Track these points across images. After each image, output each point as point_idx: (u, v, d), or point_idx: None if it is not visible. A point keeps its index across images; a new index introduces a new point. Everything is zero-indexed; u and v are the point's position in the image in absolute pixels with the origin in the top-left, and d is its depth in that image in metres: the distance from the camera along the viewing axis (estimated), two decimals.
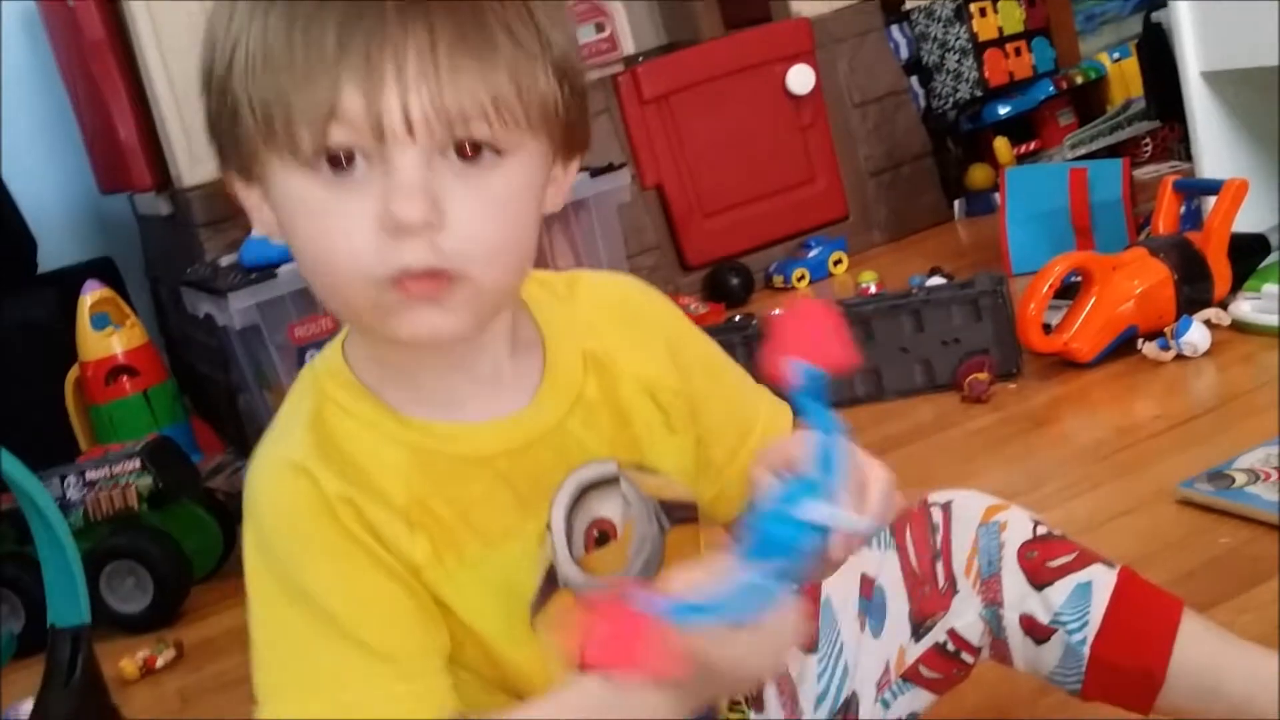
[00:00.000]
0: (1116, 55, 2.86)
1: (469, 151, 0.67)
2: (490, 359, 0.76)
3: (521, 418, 0.76)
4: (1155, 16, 2.47)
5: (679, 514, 0.80)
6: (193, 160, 2.34)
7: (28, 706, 1.45)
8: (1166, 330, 1.73)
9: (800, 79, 2.66)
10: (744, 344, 1.86)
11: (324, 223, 0.67)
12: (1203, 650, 0.86)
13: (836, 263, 2.60)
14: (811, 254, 2.62)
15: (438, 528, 0.73)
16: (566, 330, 0.79)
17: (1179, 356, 1.71)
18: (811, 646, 0.91)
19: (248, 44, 0.67)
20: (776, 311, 0.65)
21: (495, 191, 0.68)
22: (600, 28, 2.71)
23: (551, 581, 0.75)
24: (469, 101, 0.66)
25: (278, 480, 0.73)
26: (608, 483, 0.77)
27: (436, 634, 0.74)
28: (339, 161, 0.66)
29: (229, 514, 1.83)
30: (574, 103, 0.72)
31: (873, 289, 2.25)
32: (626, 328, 0.82)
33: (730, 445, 0.85)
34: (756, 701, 0.89)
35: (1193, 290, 1.78)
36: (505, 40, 0.67)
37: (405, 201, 0.65)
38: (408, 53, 0.64)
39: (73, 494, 1.74)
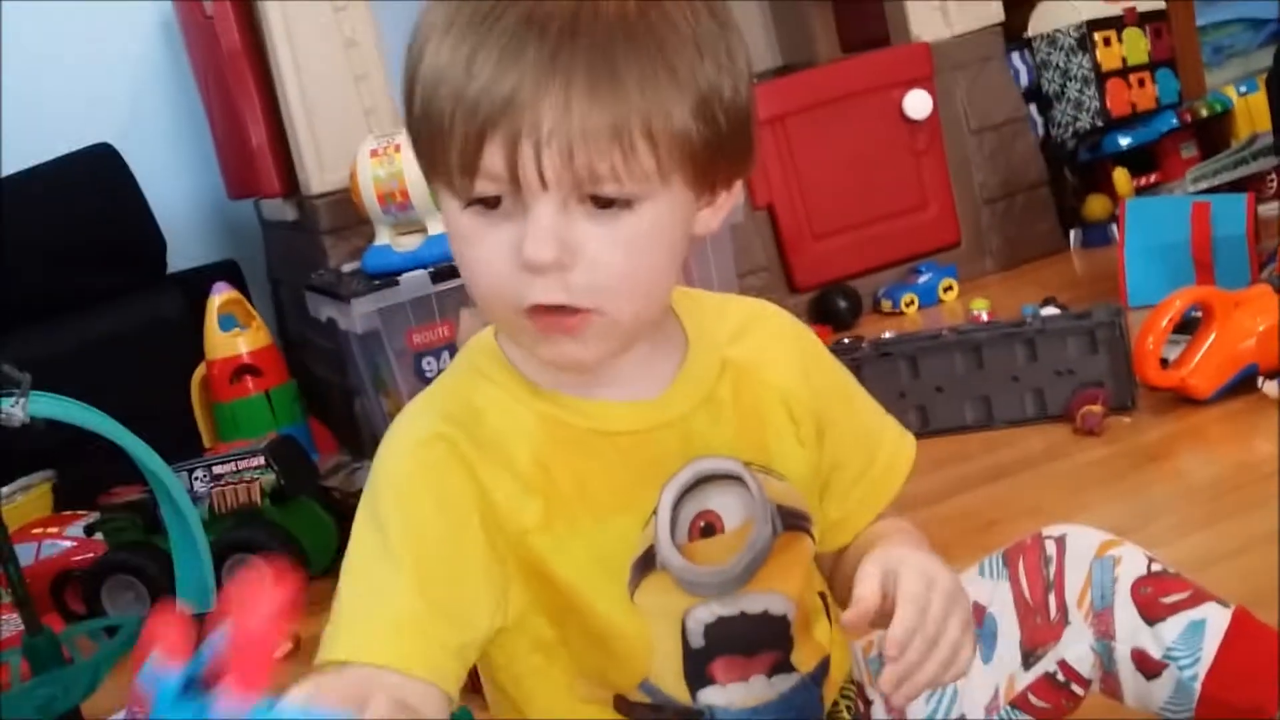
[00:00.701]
0: (1244, 89, 2.81)
1: (600, 203, 0.72)
2: (631, 354, 0.80)
3: (650, 404, 0.81)
4: None
5: (791, 521, 0.83)
6: (321, 168, 2.41)
7: None
8: None
9: (917, 104, 2.66)
10: (852, 367, 1.86)
11: (473, 250, 0.74)
12: None
13: (947, 289, 2.59)
14: (922, 279, 2.61)
15: (555, 495, 0.78)
16: (710, 338, 0.84)
17: None
18: None
19: (420, 80, 0.73)
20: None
21: (626, 233, 0.73)
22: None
23: (649, 562, 0.79)
24: (599, 162, 0.70)
25: (414, 442, 0.79)
26: (725, 478, 0.80)
27: (474, 626, 0.77)
28: (487, 202, 0.73)
29: (345, 513, 1.88)
30: (723, 133, 0.74)
31: (985, 317, 2.24)
32: (768, 344, 0.86)
33: (854, 472, 0.89)
34: (865, 718, 0.91)
35: None
36: (636, 92, 0.70)
37: (537, 245, 0.71)
38: (543, 113, 0.69)
39: (200, 487, 1.81)
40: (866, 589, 0.75)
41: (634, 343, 0.79)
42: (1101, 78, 2.73)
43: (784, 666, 0.84)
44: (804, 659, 0.85)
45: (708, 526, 0.80)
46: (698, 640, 0.80)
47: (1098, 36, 2.74)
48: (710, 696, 0.81)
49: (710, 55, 0.73)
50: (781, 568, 0.82)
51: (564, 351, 0.75)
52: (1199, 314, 1.77)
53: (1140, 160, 2.77)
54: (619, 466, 0.79)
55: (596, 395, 0.80)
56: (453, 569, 0.76)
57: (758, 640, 0.82)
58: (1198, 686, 0.86)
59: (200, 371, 2.36)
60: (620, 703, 0.82)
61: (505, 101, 0.69)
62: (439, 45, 0.72)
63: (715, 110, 0.73)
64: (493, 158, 0.70)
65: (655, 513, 0.79)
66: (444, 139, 0.71)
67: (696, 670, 0.81)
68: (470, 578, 0.77)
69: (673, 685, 0.81)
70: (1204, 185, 2.60)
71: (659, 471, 0.79)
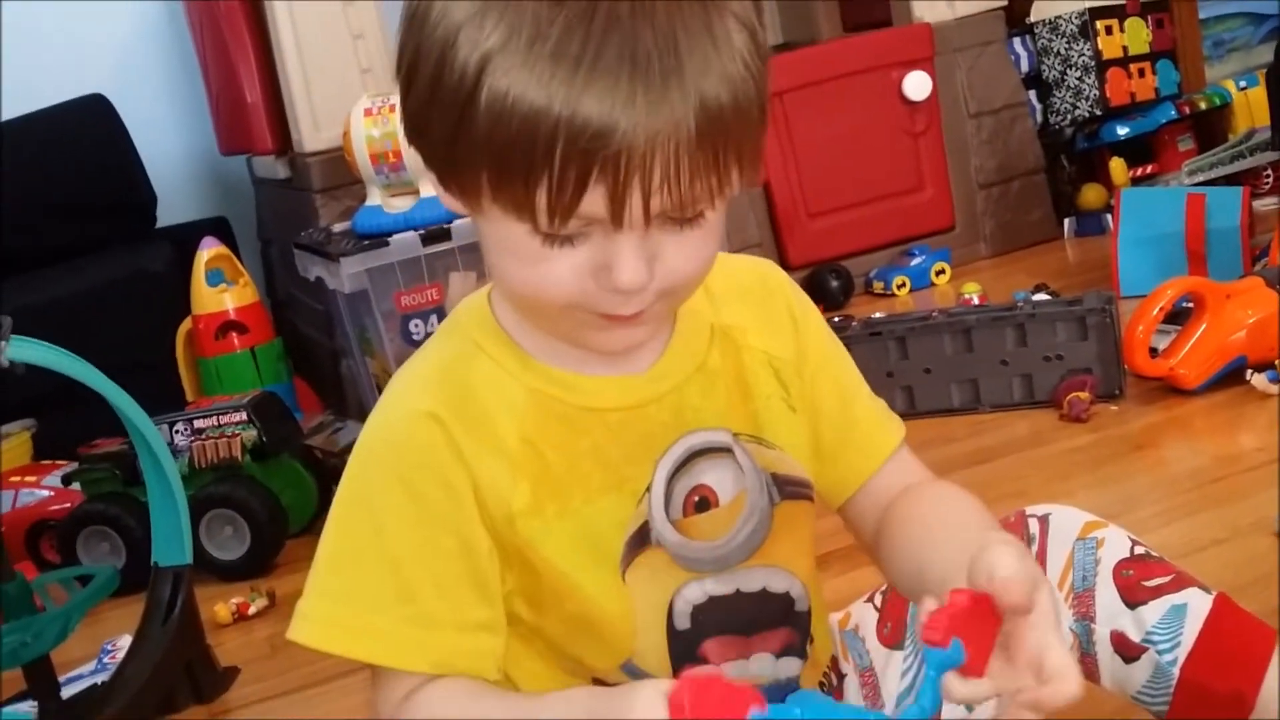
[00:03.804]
0: (1243, 84, 2.81)
1: (680, 220, 0.70)
2: None
3: (641, 378, 0.80)
4: None
5: (790, 489, 0.82)
6: (315, 127, 2.40)
7: (125, 641, 1.50)
8: (1277, 363, 1.70)
9: (917, 85, 2.65)
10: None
11: (539, 269, 0.71)
12: None
13: (939, 273, 2.59)
14: (914, 262, 2.60)
15: (544, 475, 0.77)
16: (699, 303, 0.82)
17: None
18: (897, 643, 0.91)
19: (494, 103, 0.66)
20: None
21: (699, 239, 0.72)
22: (758, 11, 2.72)
23: (643, 539, 0.78)
24: (700, 190, 0.69)
25: (409, 417, 0.77)
26: (717, 451, 0.79)
27: (481, 607, 0.77)
28: (567, 236, 0.70)
29: (326, 472, 1.87)
30: (764, 119, 0.72)
31: (975, 301, 2.23)
32: (758, 304, 0.85)
33: (836, 440, 0.87)
34: (837, 692, 0.90)
35: None
36: (735, 118, 0.68)
37: (634, 274, 0.69)
38: (655, 158, 0.66)
39: (180, 440, 1.80)
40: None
41: None
42: (1102, 66, 2.73)
43: (796, 650, 0.82)
44: (819, 648, 0.84)
45: (702, 501, 0.79)
46: (684, 622, 0.79)
47: (1100, 25, 2.73)
48: None
49: (749, 35, 0.70)
50: (787, 541, 0.81)
51: (625, 339, 0.74)
52: (1190, 304, 1.77)
53: (1137, 151, 2.77)
54: (610, 443, 0.78)
55: (589, 370, 0.79)
56: (440, 565, 0.76)
57: (758, 619, 0.81)
58: (1176, 671, 0.85)
59: (185, 326, 2.35)
60: (599, 685, 0.81)
61: (619, 148, 0.65)
62: (523, 71, 0.65)
63: (765, 100, 0.71)
64: (595, 202, 0.67)
65: (649, 489, 0.78)
66: (532, 174, 0.66)
67: (684, 651, 0.79)
68: (459, 572, 0.76)
69: (655, 666, 0.80)
70: (1200, 178, 2.60)
71: (650, 447, 0.78)
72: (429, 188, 2.00)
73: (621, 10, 0.65)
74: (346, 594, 0.76)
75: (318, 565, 0.78)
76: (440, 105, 0.69)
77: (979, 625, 0.65)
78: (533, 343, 0.79)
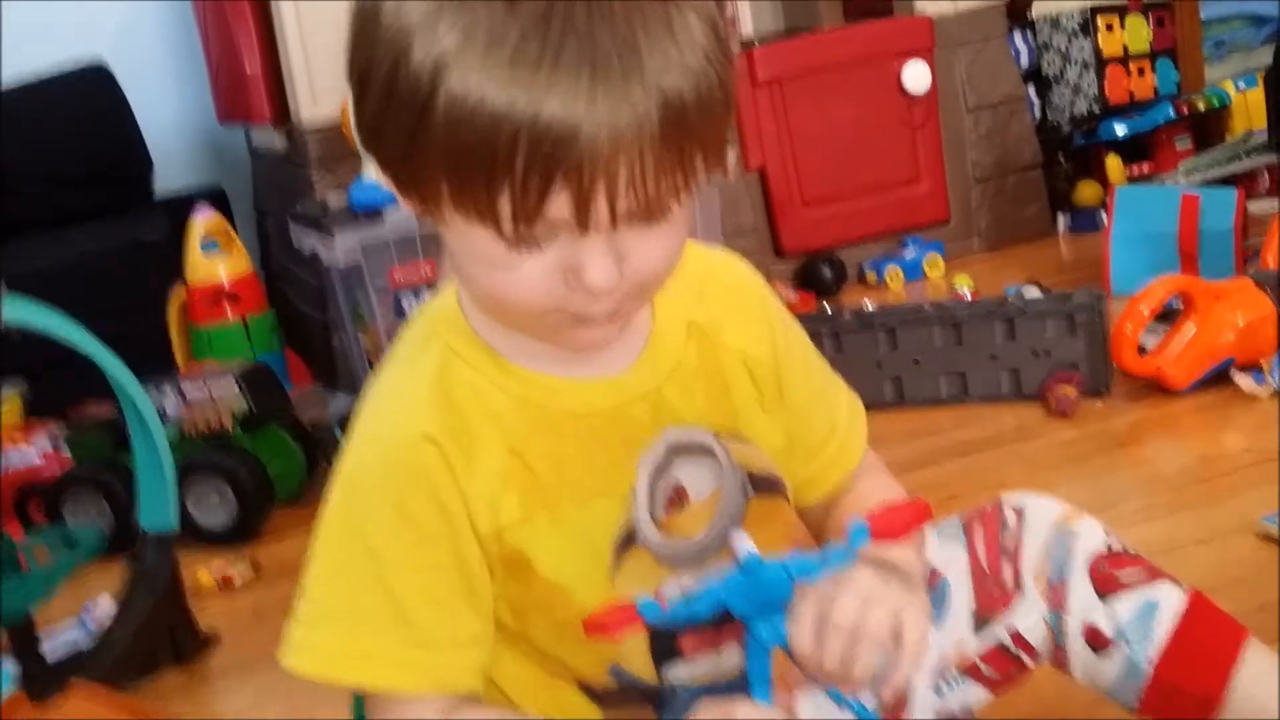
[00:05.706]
0: (1242, 85, 2.81)
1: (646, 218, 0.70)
2: None
3: (622, 379, 0.79)
4: None
5: (763, 486, 0.81)
6: (313, 99, 2.40)
7: (105, 602, 1.51)
8: (1264, 365, 1.71)
9: (916, 77, 2.65)
10: (831, 335, 1.88)
11: (505, 274, 0.70)
12: (1262, 682, 0.86)
13: (932, 265, 2.60)
14: (908, 254, 2.61)
15: (532, 485, 0.76)
16: (674, 299, 0.82)
17: (1275, 393, 1.69)
18: None
19: (449, 103, 0.64)
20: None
21: (665, 234, 0.71)
22: (721, 9, 2.71)
23: (629, 540, 0.78)
24: (666, 188, 0.68)
25: (407, 441, 0.75)
26: (694, 448, 0.79)
27: (475, 620, 0.77)
28: (534, 240, 0.68)
29: (314, 444, 1.88)
30: (731, 113, 0.72)
31: (967, 294, 2.24)
32: (732, 303, 0.85)
33: (821, 433, 0.88)
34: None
35: None
36: (698, 116, 0.67)
37: (604, 274, 0.68)
38: (619, 161, 0.65)
39: (170, 408, 1.80)
40: (804, 642, 0.74)
41: None
42: (1102, 64, 2.73)
43: None
44: None
45: (677, 499, 0.79)
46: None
47: (1101, 22, 2.73)
48: (676, 671, 0.80)
49: (709, 26, 0.70)
50: (759, 536, 0.80)
51: (597, 335, 0.74)
52: (1179, 304, 1.77)
53: (1134, 149, 2.77)
54: (595, 447, 0.78)
55: (568, 371, 0.78)
56: (434, 585, 0.75)
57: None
58: (1147, 666, 0.86)
59: (179, 294, 2.35)
60: (583, 688, 0.82)
61: (582, 151, 0.64)
62: (481, 75, 0.64)
63: (730, 94, 0.71)
64: (560, 206, 0.66)
65: (634, 490, 0.77)
66: (493, 180, 0.65)
67: (663, 646, 0.80)
68: (455, 587, 0.76)
69: (639, 665, 0.80)
70: (1196, 178, 2.60)
71: (633, 448, 0.78)
72: None
73: (578, 11, 0.64)
74: (341, 621, 0.76)
75: (309, 592, 0.77)
76: (395, 111, 0.67)
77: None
78: (508, 345, 0.77)
